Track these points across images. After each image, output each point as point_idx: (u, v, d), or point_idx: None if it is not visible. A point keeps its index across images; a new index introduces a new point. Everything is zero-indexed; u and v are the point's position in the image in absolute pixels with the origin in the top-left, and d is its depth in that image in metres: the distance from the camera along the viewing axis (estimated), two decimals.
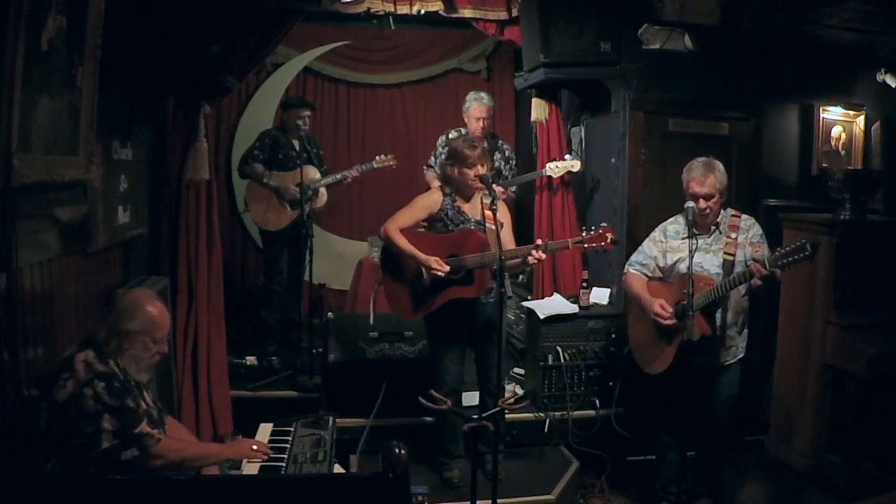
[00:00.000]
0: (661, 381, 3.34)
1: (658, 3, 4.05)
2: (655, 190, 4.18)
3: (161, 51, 3.58)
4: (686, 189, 3.25)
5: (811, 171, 4.71)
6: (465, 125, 4.68)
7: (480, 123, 4.55)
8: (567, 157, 4.43)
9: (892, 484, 3.56)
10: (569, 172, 4.43)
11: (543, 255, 3.23)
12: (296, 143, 4.67)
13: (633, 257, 3.49)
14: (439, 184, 3.60)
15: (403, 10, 4.36)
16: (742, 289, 3.16)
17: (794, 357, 4.00)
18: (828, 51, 4.39)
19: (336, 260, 5.98)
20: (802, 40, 4.26)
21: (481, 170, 3.34)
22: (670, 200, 3.69)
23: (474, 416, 2.56)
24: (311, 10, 4.02)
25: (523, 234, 4.14)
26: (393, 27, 5.26)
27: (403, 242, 3.36)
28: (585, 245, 3.24)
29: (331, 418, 2.82)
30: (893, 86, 4.48)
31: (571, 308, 4.07)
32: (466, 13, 4.46)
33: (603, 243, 3.21)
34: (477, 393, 3.72)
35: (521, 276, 5.12)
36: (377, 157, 4.83)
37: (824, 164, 4.66)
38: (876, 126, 4.79)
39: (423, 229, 3.51)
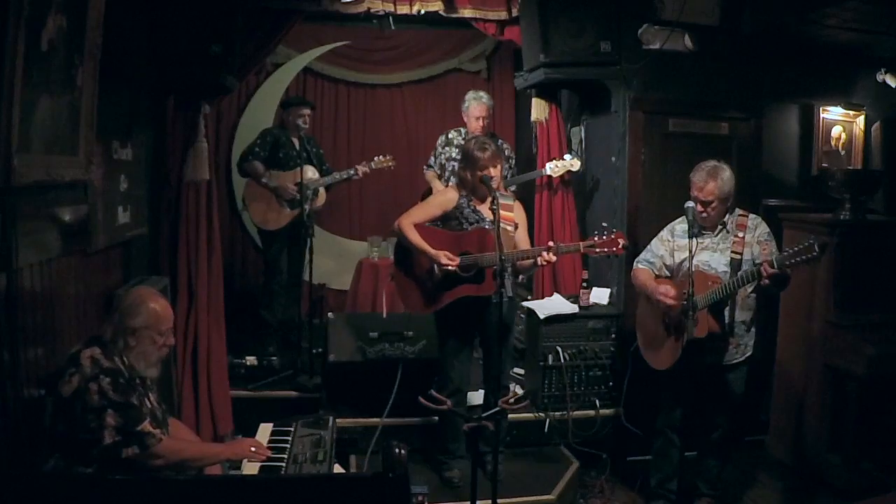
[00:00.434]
0: (670, 377, 3.35)
1: (658, 3, 4.05)
2: (655, 190, 4.18)
3: (161, 51, 3.58)
4: (689, 189, 3.27)
5: (811, 171, 4.72)
6: (464, 125, 4.67)
7: (480, 122, 4.54)
8: (567, 156, 4.43)
9: (892, 484, 3.57)
10: (568, 172, 4.43)
11: (554, 258, 3.21)
12: (296, 143, 4.67)
13: (642, 255, 3.50)
14: (439, 183, 3.60)
15: (403, 10, 4.35)
16: (749, 287, 3.17)
17: (794, 357, 4.01)
18: (828, 51, 4.39)
19: (336, 260, 5.98)
20: (802, 40, 4.26)
21: (493, 171, 3.33)
22: (670, 200, 3.70)
23: (475, 417, 2.56)
24: (311, 10, 4.03)
25: None
26: (393, 27, 5.26)
27: (415, 237, 3.37)
28: (597, 250, 3.22)
29: (331, 418, 2.81)
30: (893, 86, 4.48)
31: (571, 308, 4.07)
32: (466, 13, 4.45)
33: (615, 248, 3.20)
34: (481, 392, 3.73)
35: (521, 277, 5.11)
36: (376, 158, 4.83)
37: (824, 164, 4.67)
38: (876, 126, 4.79)
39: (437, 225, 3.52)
